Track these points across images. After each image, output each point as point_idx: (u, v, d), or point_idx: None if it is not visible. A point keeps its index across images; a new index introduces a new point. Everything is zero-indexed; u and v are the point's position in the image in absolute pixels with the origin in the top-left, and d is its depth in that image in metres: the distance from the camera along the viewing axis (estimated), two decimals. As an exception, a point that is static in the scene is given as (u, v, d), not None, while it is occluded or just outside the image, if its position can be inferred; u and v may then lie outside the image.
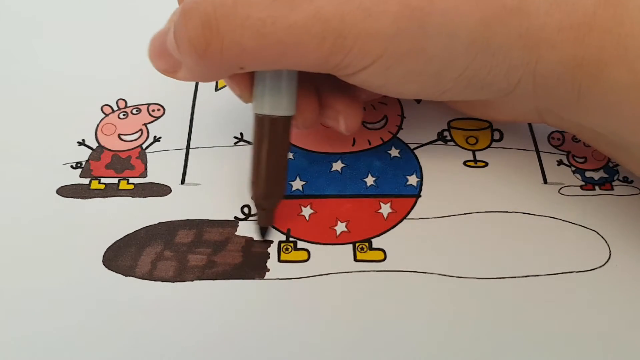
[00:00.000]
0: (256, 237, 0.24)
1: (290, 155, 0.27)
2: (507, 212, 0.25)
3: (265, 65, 0.20)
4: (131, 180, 0.26)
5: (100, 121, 0.28)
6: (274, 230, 0.24)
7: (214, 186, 0.26)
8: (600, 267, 0.23)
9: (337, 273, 0.23)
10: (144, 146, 0.27)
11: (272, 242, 0.24)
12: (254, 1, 0.18)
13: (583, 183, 0.26)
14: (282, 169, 0.23)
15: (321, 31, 0.18)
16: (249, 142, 0.27)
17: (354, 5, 0.18)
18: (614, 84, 0.19)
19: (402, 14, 0.19)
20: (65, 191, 0.25)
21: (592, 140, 0.23)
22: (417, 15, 0.19)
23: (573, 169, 0.26)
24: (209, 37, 0.18)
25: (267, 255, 0.24)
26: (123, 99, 0.29)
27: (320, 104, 0.24)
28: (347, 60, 0.19)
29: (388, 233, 0.24)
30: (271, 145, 0.22)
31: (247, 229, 0.24)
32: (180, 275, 0.23)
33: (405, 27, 0.19)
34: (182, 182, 0.26)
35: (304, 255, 0.24)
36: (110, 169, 0.26)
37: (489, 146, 0.27)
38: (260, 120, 0.22)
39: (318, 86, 0.24)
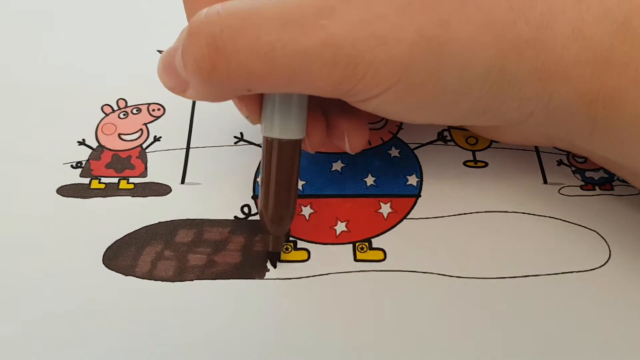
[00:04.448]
0: (268, 264, 0.23)
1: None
2: (507, 212, 0.25)
3: (273, 88, 0.19)
4: (131, 180, 0.26)
5: (101, 121, 0.28)
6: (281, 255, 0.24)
7: (214, 186, 0.26)
8: (600, 267, 0.23)
9: (337, 273, 0.23)
10: (144, 146, 0.27)
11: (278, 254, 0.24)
12: (263, 24, 0.17)
13: (583, 183, 0.26)
14: (291, 193, 0.22)
15: (332, 57, 0.17)
16: (249, 142, 0.27)
17: (368, 32, 0.17)
18: (630, 117, 0.19)
19: (418, 43, 0.18)
20: (65, 191, 0.25)
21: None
22: (433, 44, 0.18)
23: (573, 169, 0.26)
24: (215, 59, 0.17)
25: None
26: (123, 99, 0.29)
27: (327, 124, 0.23)
28: (359, 88, 0.18)
29: (388, 233, 0.24)
30: (280, 169, 0.22)
31: (247, 229, 0.24)
32: (180, 274, 0.23)
33: (420, 56, 0.18)
34: (182, 182, 0.26)
35: (304, 255, 0.24)
36: (110, 168, 0.26)
37: (489, 146, 0.27)
38: (270, 144, 0.21)
39: (324, 107, 0.23)
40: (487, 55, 0.19)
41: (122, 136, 0.28)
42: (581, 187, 0.25)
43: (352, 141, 0.23)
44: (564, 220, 0.24)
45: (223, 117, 0.28)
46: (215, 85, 0.18)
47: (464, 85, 0.19)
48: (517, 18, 0.19)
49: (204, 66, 0.18)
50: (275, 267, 0.23)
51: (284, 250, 0.24)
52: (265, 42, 0.17)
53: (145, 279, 0.23)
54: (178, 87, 0.20)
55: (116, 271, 0.23)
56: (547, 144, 0.24)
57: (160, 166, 0.26)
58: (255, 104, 0.21)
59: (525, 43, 0.19)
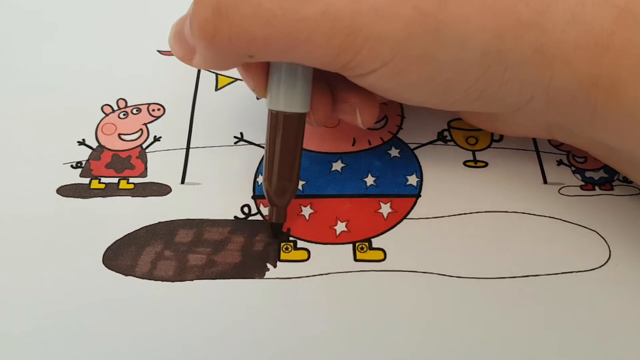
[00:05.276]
0: (270, 235, 0.24)
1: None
2: (507, 212, 0.25)
3: (274, 56, 0.20)
4: (131, 180, 0.26)
5: (101, 121, 0.28)
6: (284, 229, 0.24)
7: (214, 186, 0.26)
8: (600, 267, 0.23)
9: (337, 273, 0.23)
10: (144, 146, 0.27)
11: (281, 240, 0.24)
12: None
13: (583, 183, 0.26)
14: (295, 166, 0.23)
15: (330, 28, 0.18)
16: (249, 142, 0.27)
17: (367, 6, 0.18)
18: (631, 103, 0.19)
19: (415, 19, 0.18)
20: (65, 191, 0.25)
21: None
22: (430, 21, 0.18)
23: (573, 168, 0.26)
24: (218, 23, 0.18)
25: (267, 255, 0.24)
26: (123, 99, 0.29)
27: (335, 99, 0.23)
28: (356, 61, 0.19)
29: (388, 233, 0.24)
30: (284, 142, 0.22)
31: (247, 229, 0.24)
32: (180, 274, 0.23)
33: (417, 32, 0.18)
34: (182, 182, 0.26)
35: (304, 254, 0.24)
36: (110, 168, 0.26)
37: (489, 146, 0.27)
38: (275, 116, 0.22)
39: (332, 82, 0.23)
40: (484, 38, 0.19)
41: (122, 136, 0.28)
42: (581, 187, 0.25)
43: (363, 115, 0.23)
44: (564, 220, 0.24)
45: (223, 117, 0.28)
46: (219, 50, 0.19)
47: (461, 65, 0.19)
48: (517, 1, 0.19)
49: (208, 30, 0.18)
50: (276, 237, 0.24)
51: (283, 250, 0.24)
52: (267, 8, 0.18)
53: (145, 279, 0.23)
54: (186, 55, 0.20)
55: (116, 271, 0.23)
56: (547, 135, 0.24)
57: (160, 166, 0.26)
58: (261, 77, 0.22)
59: (524, 26, 0.19)
